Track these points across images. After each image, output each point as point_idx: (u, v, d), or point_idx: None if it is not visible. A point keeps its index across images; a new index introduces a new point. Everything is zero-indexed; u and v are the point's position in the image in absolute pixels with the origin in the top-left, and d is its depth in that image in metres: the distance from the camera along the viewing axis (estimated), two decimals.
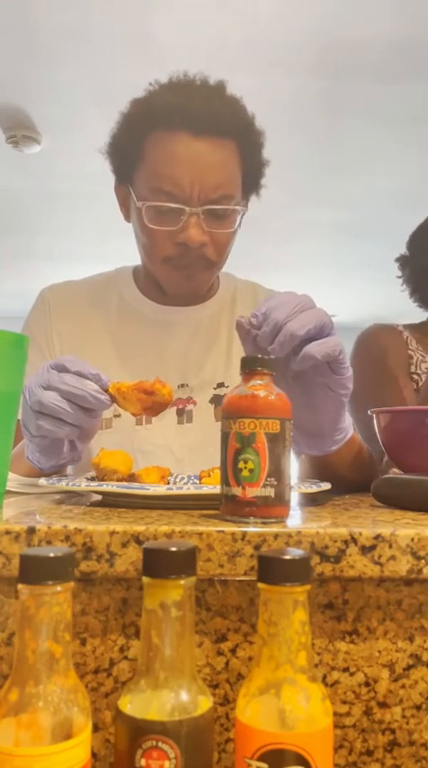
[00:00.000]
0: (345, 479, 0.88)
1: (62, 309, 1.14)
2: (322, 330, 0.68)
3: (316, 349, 0.67)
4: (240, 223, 1.04)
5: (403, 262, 1.47)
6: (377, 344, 1.37)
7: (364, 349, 1.38)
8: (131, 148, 1.02)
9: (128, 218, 1.10)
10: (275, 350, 0.67)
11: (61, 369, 0.74)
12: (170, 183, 0.96)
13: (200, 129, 0.97)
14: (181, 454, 1.07)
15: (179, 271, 1.03)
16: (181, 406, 1.10)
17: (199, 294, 1.12)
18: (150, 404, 0.75)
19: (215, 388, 1.12)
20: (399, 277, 1.48)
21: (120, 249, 4.44)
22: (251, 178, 1.06)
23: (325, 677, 0.54)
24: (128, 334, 1.13)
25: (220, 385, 1.12)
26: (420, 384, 1.31)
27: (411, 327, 1.42)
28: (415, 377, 1.33)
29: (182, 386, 1.11)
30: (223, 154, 0.99)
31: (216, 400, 1.10)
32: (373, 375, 1.33)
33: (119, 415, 1.07)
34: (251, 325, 0.69)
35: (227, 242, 1.04)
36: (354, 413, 1.22)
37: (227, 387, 1.11)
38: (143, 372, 0.96)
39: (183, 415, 1.10)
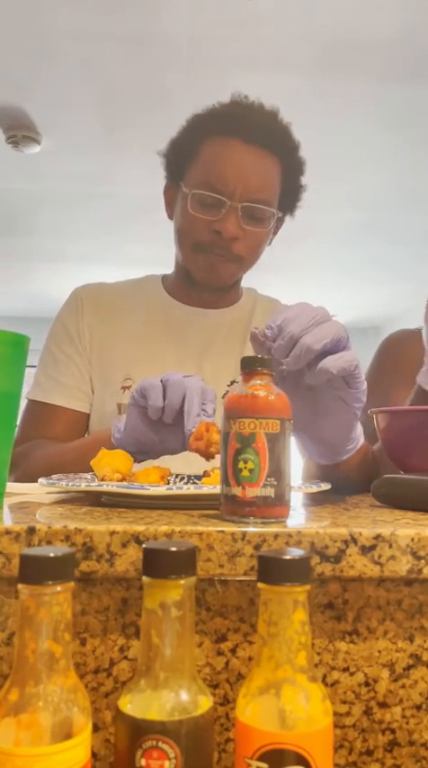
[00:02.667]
0: (352, 482, 0.89)
1: (93, 306, 1.22)
2: (338, 344, 0.68)
3: (331, 364, 0.67)
4: (275, 230, 1.17)
5: None
6: (400, 350, 1.36)
7: (386, 353, 1.38)
8: (188, 149, 1.14)
9: (171, 215, 1.20)
10: (290, 363, 0.67)
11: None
12: (217, 178, 1.08)
13: (251, 138, 1.09)
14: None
15: (206, 257, 1.12)
16: None
17: (222, 285, 1.20)
18: (201, 437, 0.78)
19: (229, 385, 1.19)
20: None
21: (121, 249, 4.46)
22: (288, 198, 1.17)
23: (325, 677, 0.54)
24: (152, 332, 1.21)
25: (234, 382, 1.19)
26: None
27: None
28: None
29: (209, 419, 1.14)
30: (267, 165, 1.11)
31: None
32: (392, 380, 1.33)
33: None
34: (265, 337, 0.69)
35: (258, 241, 1.14)
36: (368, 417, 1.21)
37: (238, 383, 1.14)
38: (163, 367, 1.01)
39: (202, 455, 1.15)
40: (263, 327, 0.69)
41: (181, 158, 1.15)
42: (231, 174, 1.07)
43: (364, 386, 0.72)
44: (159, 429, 0.85)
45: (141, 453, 0.88)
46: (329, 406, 0.73)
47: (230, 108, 1.13)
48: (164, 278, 1.29)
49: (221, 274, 1.15)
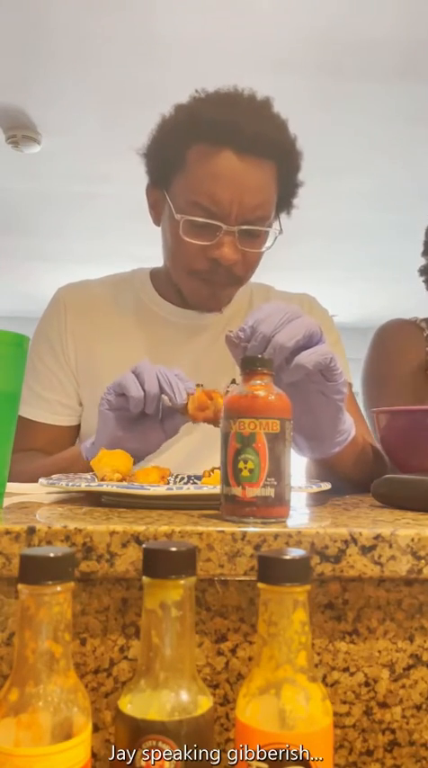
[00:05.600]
0: (351, 478, 0.88)
1: (78, 310, 1.15)
2: (311, 339, 0.68)
3: (306, 359, 0.67)
4: (273, 243, 1.06)
5: (422, 269, 1.46)
6: (394, 339, 1.35)
7: (381, 343, 1.36)
8: (173, 156, 1.02)
9: (157, 221, 1.11)
10: None
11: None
12: (209, 199, 0.97)
13: (244, 147, 0.97)
14: (194, 452, 1.07)
15: (206, 285, 1.05)
16: None
17: (219, 308, 1.13)
18: (206, 407, 0.78)
19: (228, 386, 1.14)
20: (426, 281, 1.46)
21: (121, 249, 4.46)
22: (284, 198, 1.08)
23: (325, 677, 0.54)
24: (145, 336, 1.14)
25: (233, 381, 1.14)
26: None
27: None
28: None
29: (198, 386, 1.11)
30: (264, 176, 1.00)
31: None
32: (388, 371, 1.32)
33: None
34: (239, 339, 0.69)
35: (256, 261, 1.06)
36: (366, 408, 1.21)
37: (238, 384, 1.12)
38: None
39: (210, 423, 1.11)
40: (236, 330, 0.69)
41: (165, 163, 1.04)
42: (225, 194, 0.97)
43: (343, 377, 0.72)
44: (138, 427, 0.83)
45: None
46: (311, 402, 0.73)
47: (217, 110, 0.99)
48: (154, 274, 1.20)
49: (221, 300, 1.09)
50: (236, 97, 1.03)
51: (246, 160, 0.98)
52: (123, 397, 0.81)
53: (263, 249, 1.05)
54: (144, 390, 0.79)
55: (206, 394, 0.78)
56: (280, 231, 1.07)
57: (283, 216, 1.11)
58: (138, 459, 0.84)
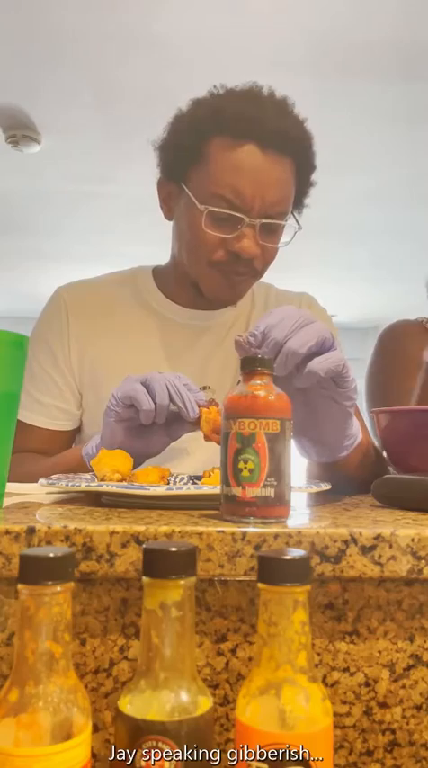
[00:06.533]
0: (354, 478, 0.89)
1: (79, 311, 1.13)
2: (323, 345, 0.68)
3: (318, 366, 0.67)
4: (292, 239, 1.07)
5: None
6: (399, 340, 1.36)
7: (386, 344, 1.37)
8: (191, 148, 1.02)
9: (169, 215, 1.11)
10: (277, 370, 0.67)
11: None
12: (232, 191, 0.97)
13: (267, 143, 0.98)
14: (200, 455, 1.06)
15: (226, 277, 1.04)
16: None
17: (235, 301, 1.12)
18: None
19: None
20: None
21: (120, 249, 4.46)
22: (298, 197, 1.08)
23: (325, 677, 0.54)
24: (149, 337, 1.13)
25: (239, 382, 1.13)
26: None
27: None
28: None
29: (204, 388, 1.11)
30: (284, 172, 1.01)
31: None
32: (392, 372, 1.32)
33: None
34: (249, 344, 0.68)
35: (273, 255, 1.06)
36: (370, 409, 1.21)
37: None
38: None
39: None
40: (247, 334, 0.69)
41: (182, 156, 1.04)
42: (248, 187, 0.97)
43: (354, 384, 0.72)
44: (143, 434, 0.83)
45: None
46: (321, 407, 0.73)
47: (240, 104, 1.00)
48: (157, 274, 1.18)
49: (240, 293, 1.09)
50: (258, 93, 1.03)
51: (269, 155, 0.98)
52: (132, 409, 0.81)
53: (281, 245, 1.06)
54: (155, 403, 0.79)
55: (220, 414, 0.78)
56: (300, 227, 1.08)
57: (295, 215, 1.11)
58: (139, 462, 0.84)
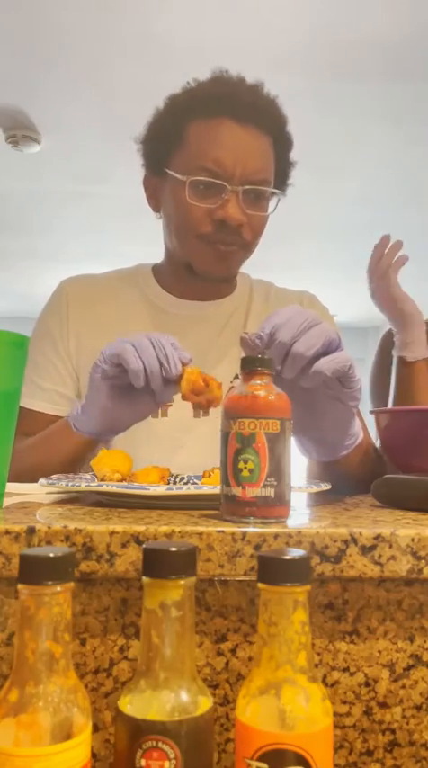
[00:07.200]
0: (354, 477, 0.89)
1: (80, 302, 1.16)
2: (330, 346, 0.68)
3: (325, 366, 0.67)
4: (275, 208, 1.09)
5: None
6: None
7: (386, 346, 1.38)
8: (170, 136, 1.05)
9: (157, 208, 1.13)
10: (285, 372, 0.67)
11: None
12: (213, 162, 1.01)
13: (243, 117, 1.01)
14: (194, 448, 1.06)
15: (214, 249, 1.06)
16: None
17: (229, 275, 1.14)
18: (200, 392, 0.76)
19: (231, 381, 1.13)
20: None
21: (118, 249, 4.46)
22: (281, 176, 1.11)
23: (325, 677, 0.54)
24: (147, 328, 1.14)
25: (237, 377, 1.13)
26: None
27: None
28: None
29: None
30: (262, 143, 1.04)
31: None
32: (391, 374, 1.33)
33: None
34: (256, 345, 0.68)
35: (261, 225, 1.08)
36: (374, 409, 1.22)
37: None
38: None
39: (200, 409, 1.11)
40: (253, 334, 0.69)
41: (163, 144, 1.07)
42: (228, 155, 1.00)
43: (359, 384, 0.72)
44: (129, 396, 0.82)
45: (109, 432, 0.85)
46: (326, 407, 0.73)
47: (213, 86, 1.05)
48: (155, 269, 1.21)
49: (231, 264, 1.09)
50: (228, 76, 1.08)
51: (246, 128, 1.02)
52: (119, 368, 0.80)
53: (267, 213, 1.07)
54: (142, 361, 0.77)
55: (203, 379, 0.76)
56: (283, 193, 1.11)
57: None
58: (125, 428, 0.84)
